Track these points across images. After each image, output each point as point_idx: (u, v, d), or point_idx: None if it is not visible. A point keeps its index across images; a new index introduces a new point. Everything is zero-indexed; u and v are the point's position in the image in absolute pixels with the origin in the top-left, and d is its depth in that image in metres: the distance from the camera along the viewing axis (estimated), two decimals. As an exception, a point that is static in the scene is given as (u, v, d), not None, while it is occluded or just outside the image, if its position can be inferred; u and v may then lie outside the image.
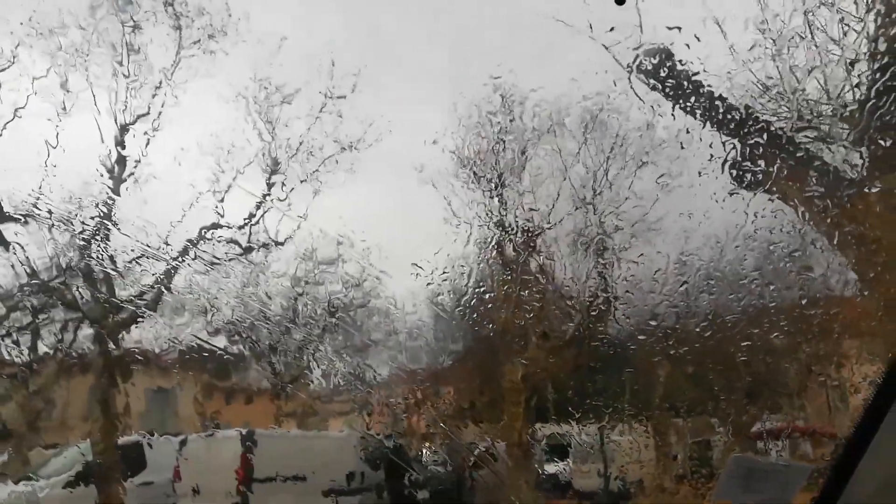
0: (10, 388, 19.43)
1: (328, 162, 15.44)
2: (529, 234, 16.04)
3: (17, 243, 13.01)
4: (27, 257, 13.09)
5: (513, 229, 16.01)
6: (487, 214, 16.35)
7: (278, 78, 14.85)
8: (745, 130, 6.28)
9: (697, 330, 13.87)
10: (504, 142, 16.28)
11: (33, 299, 15.26)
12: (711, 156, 6.49)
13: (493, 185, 16.52)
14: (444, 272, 14.74)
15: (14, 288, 15.13)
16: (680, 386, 16.14)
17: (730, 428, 17.77)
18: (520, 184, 16.42)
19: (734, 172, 6.51)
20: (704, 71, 7.09)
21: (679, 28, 6.79)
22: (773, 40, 9.73)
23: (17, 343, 17.35)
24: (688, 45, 6.88)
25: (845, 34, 9.10)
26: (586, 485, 17.85)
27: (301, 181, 15.12)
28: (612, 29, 6.53)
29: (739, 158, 6.38)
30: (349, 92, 15.29)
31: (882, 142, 6.48)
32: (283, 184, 14.93)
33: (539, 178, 16.25)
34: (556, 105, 15.66)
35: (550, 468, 18.54)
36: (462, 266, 18.19)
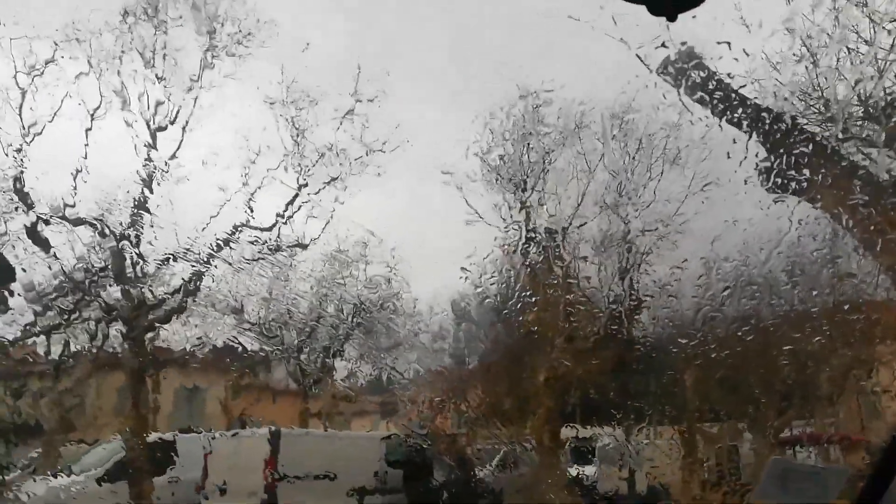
0: (43, 384, 19.87)
1: (354, 164, 15.58)
2: (554, 237, 15.98)
3: (50, 244, 13.27)
4: (60, 257, 13.38)
5: (538, 231, 15.97)
6: (512, 217, 16.36)
7: (306, 82, 15.06)
8: (790, 140, 6.21)
9: (727, 334, 13.72)
10: (529, 144, 16.27)
11: (67, 298, 15.59)
12: (745, 161, 6.42)
13: (517, 188, 16.51)
14: (468, 274, 14.79)
15: (48, 287, 15.48)
16: (709, 390, 15.94)
17: (760, 433, 17.50)
18: (544, 186, 16.40)
19: (768, 174, 6.44)
20: (733, 74, 7.05)
21: (725, 43, 6.74)
22: (808, 47, 9.62)
23: (50, 341, 17.75)
24: (719, 53, 6.83)
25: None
26: (612, 488, 17.70)
27: (327, 183, 15.26)
28: (662, 45, 6.48)
29: (774, 160, 6.30)
30: (376, 95, 15.41)
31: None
32: (310, 185, 15.07)
33: (564, 179, 16.21)
34: (581, 107, 15.62)
35: (576, 471, 18.41)
36: (487, 268, 18.22)
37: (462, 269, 13.62)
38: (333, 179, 15.25)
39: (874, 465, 2.32)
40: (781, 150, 6.32)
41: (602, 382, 14.87)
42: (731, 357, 14.35)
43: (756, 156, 6.69)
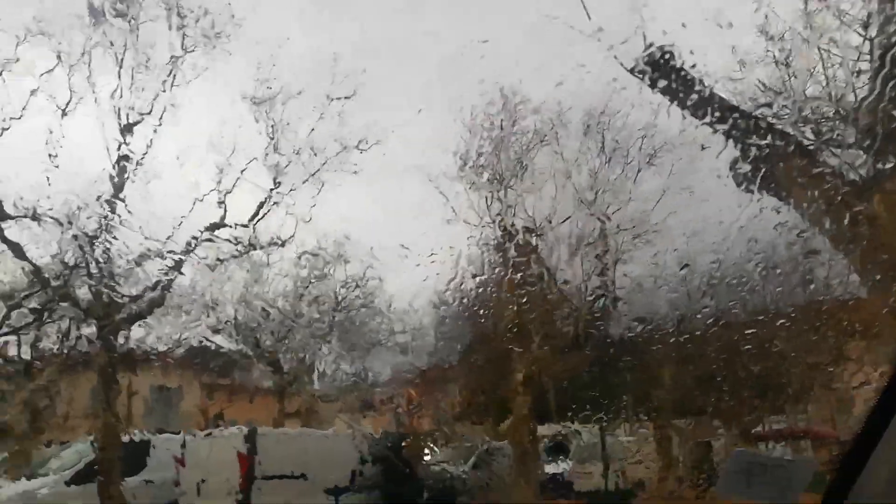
0: (13, 385, 19.49)
1: (331, 162, 15.45)
2: (532, 235, 16.04)
3: (19, 242, 13.00)
4: (30, 256, 13.11)
5: (515, 230, 16.01)
6: (490, 215, 16.37)
7: (282, 78, 14.88)
8: (763, 139, 6.29)
9: (700, 332, 13.89)
10: (507, 143, 16.29)
11: (37, 297, 15.29)
12: (718, 160, 6.50)
13: (495, 187, 16.52)
14: (446, 273, 14.77)
15: (19, 285, 15.18)
16: (683, 387, 16.12)
17: (732, 429, 17.75)
18: (522, 185, 16.44)
19: (739, 174, 6.52)
20: (708, 75, 7.13)
21: (684, 29, 6.80)
22: (777, 43, 9.77)
23: (20, 341, 17.42)
24: (692, 51, 6.89)
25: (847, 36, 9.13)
26: (587, 485, 17.84)
27: (304, 181, 15.11)
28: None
29: (745, 161, 6.38)
30: (352, 93, 15.31)
31: (886, 144, 6.48)
32: (286, 183, 14.92)
33: (541, 179, 16.27)
34: (558, 107, 15.68)
35: (552, 468, 18.53)
36: (464, 267, 18.22)
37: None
38: (310, 177, 15.11)
39: (843, 457, 2.34)
40: (754, 150, 6.39)
41: (579, 380, 14.97)
42: (704, 354, 14.54)
43: (721, 155, 6.76)
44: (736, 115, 6.80)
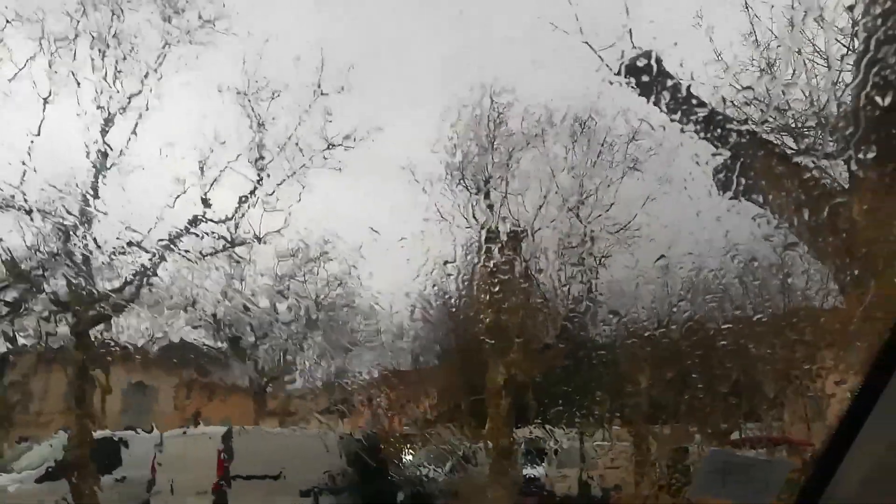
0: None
1: (315, 159, 15.37)
2: (515, 238, 16.08)
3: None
4: (7, 247, 12.90)
5: (499, 232, 16.04)
6: (474, 217, 16.39)
7: (267, 73, 14.78)
8: (734, 139, 6.34)
9: (679, 337, 14.00)
10: (493, 144, 16.34)
11: (12, 290, 15.03)
12: (698, 162, 6.54)
13: (480, 188, 16.56)
14: (429, 274, 14.76)
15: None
16: (660, 392, 16.24)
17: (708, 435, 17.87)
18: (507, 187, 16.49)
19: (720, 179, 6.57)
20: (692, 79, 7.18)
21: (670, 34, 6.86)
22: (762, 52, 9.89)
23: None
24: (680, 60, 6.95)
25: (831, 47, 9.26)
26: (564, 489, 17.88)
27: (288, 177, 15.02)
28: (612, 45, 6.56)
29: (727, 166, 6.44)
30: (339, 89, 15.24)
31: (865, 154, 6.56)
32: (270, 179, 14.81)
33: (526, 182, 16.34)
34: (544, 109, 15.77)
35: (528, 472, 18.55)
36: (447, 268, 18.21)
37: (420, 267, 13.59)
38: (294, 174, 15.01)
39: (816, 459, 2.35)
40: (737, 157, 6.45)
41: (557, 383, 15.03)
42: (681, 359, 14.66)
43: (704, 160, 6.82)
44: (718, 120, 6.86)
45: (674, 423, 18.25)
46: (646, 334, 13.99)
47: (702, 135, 7.02)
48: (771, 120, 8.65)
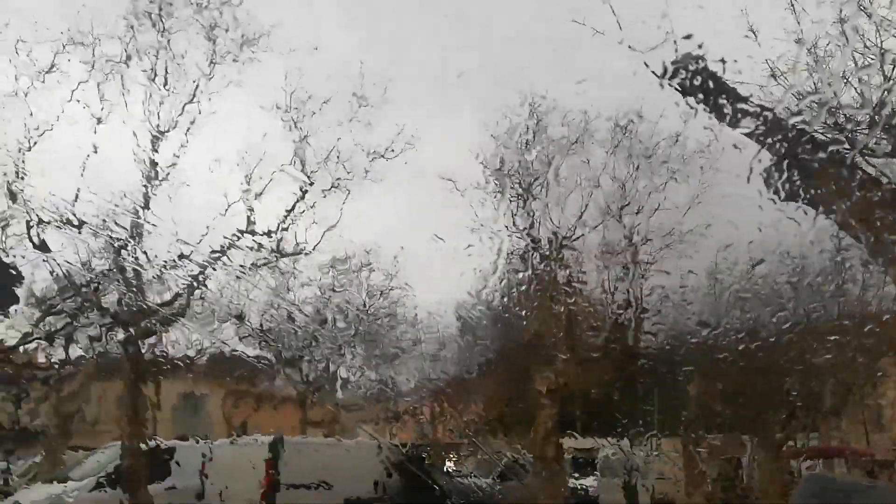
0: (44, 391, 19.82)
1: (357, 170, 15.51)
2: (557, 245, 15.90)
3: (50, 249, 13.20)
4: (63, 262, 13.33)
5: (541, 240, 15.90)
6: (515, 224, 16.28)
7: (309, 87, 15.00)
8: (797, 148, 6.12)
9: (730, 345, 13.61)
10: (533, 152, 16.21)
11: (69, 303, 15.55)
12: (753, 168, 6.33)
13: (520, 196, 16.43)
14: (471, 283, 14.70)
15: (50, 292, 15.46)
16: (713, 402, 15.81)
17: (763, 446, 17.32)
18: (548, 194, 16.33)
19: (771, 181, 6.35)
20: (739, 81, 6.99)
21: (715, 35, 6.69)
22: (815, 55, 9.58)
23: (52, 346, 17.72)
24: (723, 59, 6.76)
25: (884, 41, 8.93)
26: (613, 499, 17.54)
27: (330, 189, 15.19)
28: (653, 48, 6.42)
29: (778, 168, 6.22)
30: (379, 101, 15.36)
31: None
32: (313, 191, 15.00)
33: (567, 188, 16.16)
34: (584, 115, 15.58)
35: (577, 482, 18.27)
36: (489, 276, 18.12)
37: (462, 275, 13.55)
38: (335, 186, 15.17)
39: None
40: (789, 159, 6.23)
41: (604, 393, 14.75)
42: (734, 369, 14.24)
43: (754, 163, 6.60)
44: (768, 122, 6.63)
45: (725, 432, 17.74)
46: (695, 342, 13.64)
47: (750, 135, 6.80)
48: (822, 119, 8.37)
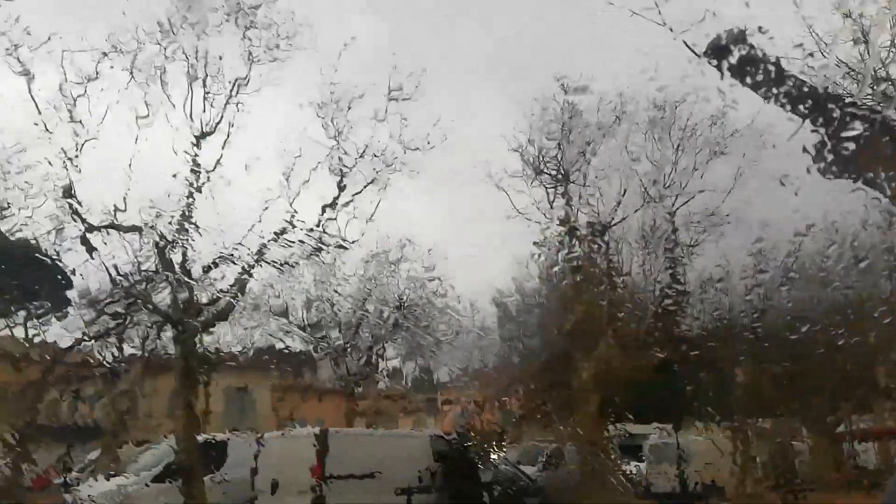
0: (99, 388, 20.53)
1: (393, 163, 15.57)
2: (596, 231, 15.76)
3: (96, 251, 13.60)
4: (112, 264, 13.72)
5: (580, 226, 15.78)
6: (553, 212, 16.18)
7: (344, 82, 15.10)
8: (846, 121, 5.94)
9: (778, 327, 13.33)
10: (568, 137, 16.06)
11: (120, 304, 16.02)
12: (797, 146, 6.16)
13: (558, 183, 16.32)
14: (510, 272, 14.70)
15: (102, 293, 15.96)
16: (761, 386, 15.51)
17: (815, 429, 16.98)
18: (585, 180, 16.18)
19: (818, 157, 6.19)
20: (783, 55, 6.81)
21: (755, 7, 6.51)
22: (862, 26, 9.27)
23: (105, 345, 18.32)
24: (765, 32, 6.59)
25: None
26: (662, 486, 17.39)
27: (368, 183, 15.29)
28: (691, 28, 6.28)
29: (825, 143, 6.05)
30: (412, 94, 15.38)
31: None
32: (351, 186, 15.13)
33: (604, 173, 15.98)
34: (621, 98, 15.35)
35: (624, 468, 18.15)
36: (528, 265, 18.08)
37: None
38: (373, 180, 15.27)
39: None
40: (838, 133, 6.05)
41: (650, 379, 14.58)
42: (782, 351, 13.95)
43: (798, 139, 6.42)
44: (814, 96, 6.45)
45: (775, 417, 17.41)
46: (742, 325, 13.40)
47: (794, 111, 6.63)
48: (870, 91, 8.11)
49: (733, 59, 6.34)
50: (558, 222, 15.94)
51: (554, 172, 16.20)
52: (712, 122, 14.55)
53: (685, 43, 6.48)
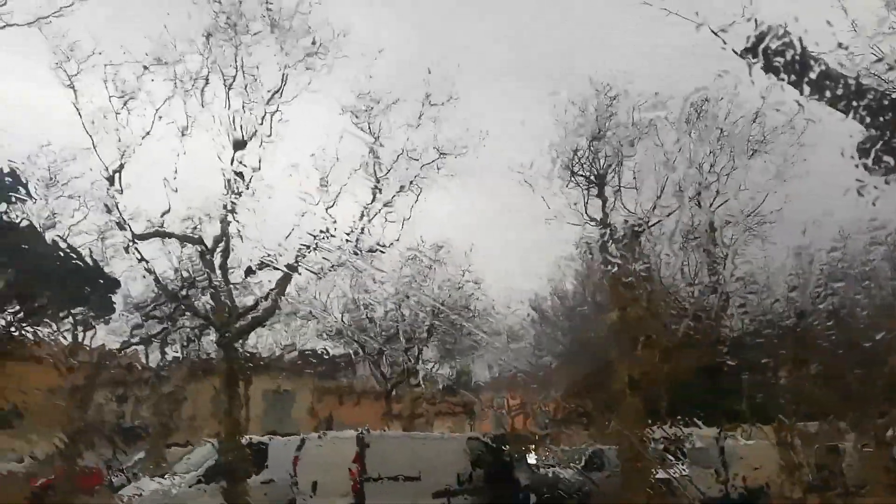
0: (144, 391, 21.06)
1: (428, 168, 15.70)
2: (633, 232, 15.60)
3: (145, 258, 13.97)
4: (156, 270, 14.09)
5: (616, 227, 15.63)
6: (589, 213, 16.08)
7: (379, 88, 15.27)
8: (878, 109, 5.80)
9: (823, 327, 13.02)
10: (604, 138, 15.95)
11: (163, 308, 16.45)
12: (840, 143, 6.04)
13: (593, 184, 16.21)
14: (546, 274, 14.64)
15: (147, 298, 16.41)
16: (805, 388, 15.12)
17: (863, 433, 16.47)
18: (620, 181, 16.04)
19: (864, 156, 6.06)
20: (824, 51, 6.66)
21: (795, 2, 6.40)
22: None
23: (150, 349, 18.83)
24: (806, 28, 6.46)
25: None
26: (703, 490, 17.06)
27: (403, 187, 15.44)
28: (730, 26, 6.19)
29: (872, 141, 5.92)
30: (447, 98, 15.48)
31: None
32: (387, 190, 15.30)
33: (640, 174, 15.81)
34: (655, 97, 15.17)
35: (664, 472, 17.88)
36: (564, 267, 17.99)
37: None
38: (409, 184, 15.41)
39: None
40: (884, 129, 5.92)
41: (690, 381, 14.35)
42: (827, 352, 13.61)
43: (840, 135, 6.28)
44: (857, 90, 6.30)
45: (821, 420, 16.96)
46: (785, 325, 13.11)
47: (837, 107, 6.48)
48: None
49: (813, 75, 6.17)
50: (595, 223, 15.84)
51: (589, 174, 16.10)
52: (751, 119, 14.29)
53: (723, 41, 6.40)
